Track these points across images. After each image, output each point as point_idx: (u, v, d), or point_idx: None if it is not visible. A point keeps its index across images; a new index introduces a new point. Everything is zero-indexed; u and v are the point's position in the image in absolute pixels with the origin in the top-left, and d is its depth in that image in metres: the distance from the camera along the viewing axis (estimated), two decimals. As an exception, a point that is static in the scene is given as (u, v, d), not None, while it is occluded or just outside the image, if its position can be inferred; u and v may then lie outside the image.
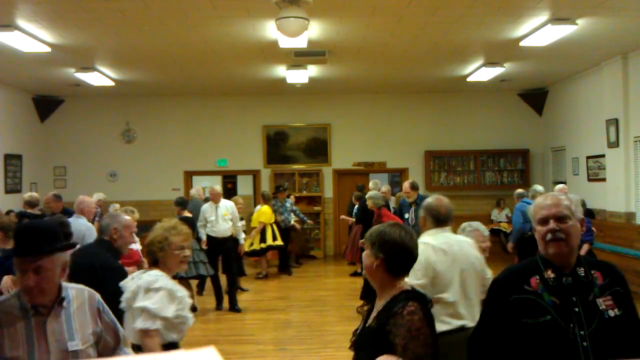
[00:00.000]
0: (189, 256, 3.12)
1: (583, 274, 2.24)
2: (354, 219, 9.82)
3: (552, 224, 2.23)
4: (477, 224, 3.92)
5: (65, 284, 2.32)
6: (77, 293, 2.34)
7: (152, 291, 2.91)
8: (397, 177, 13.71)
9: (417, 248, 2.39)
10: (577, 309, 2.19)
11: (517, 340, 2.20)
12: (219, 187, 8.56)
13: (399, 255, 2.31)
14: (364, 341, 2.33)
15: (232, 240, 8.25)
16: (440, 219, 3.42)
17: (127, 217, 4.00)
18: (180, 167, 12.64)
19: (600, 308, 2.19)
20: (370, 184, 9.78)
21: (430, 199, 3.56)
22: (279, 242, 10.15)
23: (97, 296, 2.40)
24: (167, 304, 2.92)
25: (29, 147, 11.66)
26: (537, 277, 2.25)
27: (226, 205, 8.23)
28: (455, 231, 3.61)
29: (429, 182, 12.61)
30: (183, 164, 12.65)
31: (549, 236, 2.22)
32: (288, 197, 11.33)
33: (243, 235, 8.65)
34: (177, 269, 3.16)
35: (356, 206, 9.92)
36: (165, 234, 3.02)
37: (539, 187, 8.06)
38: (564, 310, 2.19)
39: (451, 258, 3.26)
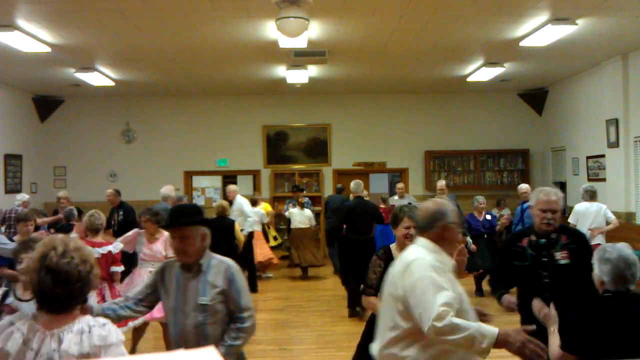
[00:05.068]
0: None
1: (555, 237, 3.62)
2: None
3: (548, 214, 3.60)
4: None
5: (212, 254, 3.05)
6: (217, 262, 3.02)
7: None
8: (397, 177, 13.70)
9: None
10: (544, 259, 3.60)
11: (512, 274, 3.72)
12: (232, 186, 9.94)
13: None
14: None
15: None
16: None
17: None
18: (180, 167, 12.64)
19: (556, 258, 3.58)
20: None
21: None
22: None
23: (233, 268, 3.01)
24: None
25: (29, 147, 11.66)
26: (527, 239, 3.70)
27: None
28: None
29: (428, 182, 12.60)
30: (183, 164, 12.65)
31: (544, 220, 3.61)
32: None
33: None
34: None
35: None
36: None
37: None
38: (536, 259, 3.62)
39: None
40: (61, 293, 2.05)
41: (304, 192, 11.77)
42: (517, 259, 3.66)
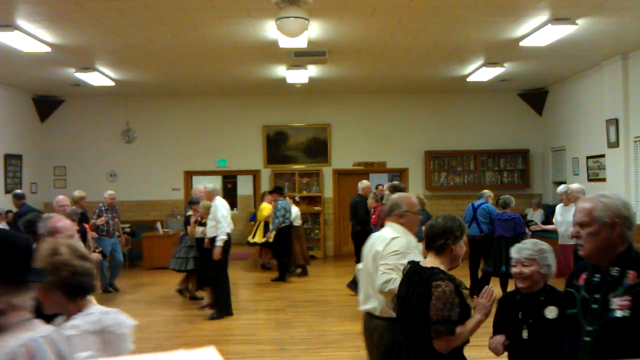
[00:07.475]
0: None
1: (616, 273, 2.23)
2: None
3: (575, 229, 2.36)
4: None
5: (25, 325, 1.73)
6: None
7: None
8: (397, 177, 13.70)
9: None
10: (594, 306, 2.26)
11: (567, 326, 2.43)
12: (201, 186, 7.95)
13: None
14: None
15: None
16: None
17: None
18: (180, 167, 12.64)
19: (610, 307, 2.20)
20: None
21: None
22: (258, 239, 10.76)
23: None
24: None
25: (29, 147, 11.67)
26: (586, 273, 2.37)
27: (215, 204, 7.37)
28: None
29: (429, 182, 12.61)
30: (183, 164, 12.65)
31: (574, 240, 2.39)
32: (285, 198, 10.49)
33: (220, 237, 7.22)
34: None
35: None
36: None
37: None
38: (586, 305, 2.30)
39: None
40: None
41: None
42: (569, 305, 2.42)
